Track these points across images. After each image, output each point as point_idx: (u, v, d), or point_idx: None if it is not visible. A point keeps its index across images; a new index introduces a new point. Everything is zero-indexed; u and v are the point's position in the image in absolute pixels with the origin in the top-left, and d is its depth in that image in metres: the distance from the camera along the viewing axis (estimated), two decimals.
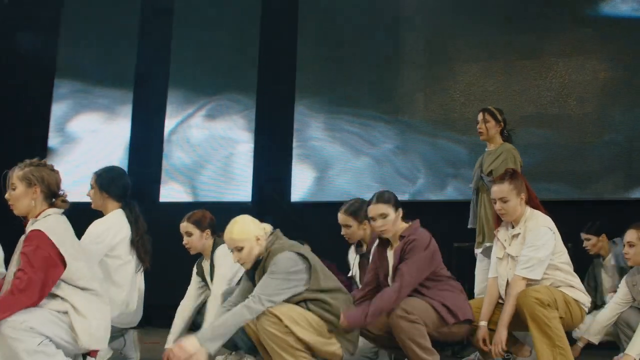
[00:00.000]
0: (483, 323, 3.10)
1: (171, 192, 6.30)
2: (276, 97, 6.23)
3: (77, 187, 3.69)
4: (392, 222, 3.05)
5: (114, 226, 3.31)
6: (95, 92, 6.67)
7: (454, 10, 5.86)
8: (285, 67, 6.19)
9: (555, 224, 3.12)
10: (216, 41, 6.44)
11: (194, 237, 3.66)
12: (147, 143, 6.48)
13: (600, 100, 5.36)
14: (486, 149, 4.11)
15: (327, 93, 6.08)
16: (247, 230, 2.94)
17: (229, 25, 6.45)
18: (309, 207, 5.91)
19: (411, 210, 3.16)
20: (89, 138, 6.66)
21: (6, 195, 2.75)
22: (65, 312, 2.66)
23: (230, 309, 2.91)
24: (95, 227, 3.28)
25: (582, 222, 4.30)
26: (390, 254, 3.10)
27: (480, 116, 4.08)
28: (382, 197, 3.10)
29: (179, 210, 3.90)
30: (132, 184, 3.47)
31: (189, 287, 3.79)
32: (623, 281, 3.70)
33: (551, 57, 5.51)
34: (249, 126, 6.27)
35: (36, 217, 2.73)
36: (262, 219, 3.07)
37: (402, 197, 4.36)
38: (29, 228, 2.69)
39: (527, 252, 3.05)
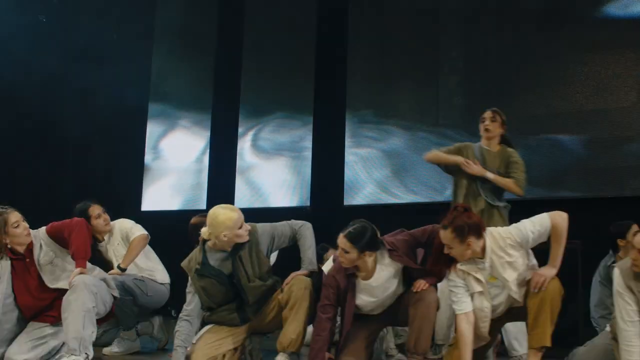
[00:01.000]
0: None
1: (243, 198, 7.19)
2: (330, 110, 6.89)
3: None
4: (351, 260, 3.34)
5: None
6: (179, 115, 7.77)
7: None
8: (338, 82, 6.82)
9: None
10: (276, 65, 7.24)
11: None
12: (223, 157, 7.41)
13: None
14: (483, 146, 4.19)
15: (375, 105, 6.63)
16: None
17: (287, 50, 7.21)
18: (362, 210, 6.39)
19: None
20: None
21: None
22: None
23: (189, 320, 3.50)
24: None
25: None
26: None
27: (489, 114, 4.18)
28: (349, 234, 3.34)
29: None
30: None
31: None
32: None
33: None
34: (307, 136, 6.97)
35: None
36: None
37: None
38: None
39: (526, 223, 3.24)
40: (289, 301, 3.50)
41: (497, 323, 3.43)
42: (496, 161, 4.14)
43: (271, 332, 3.82)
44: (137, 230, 4.38)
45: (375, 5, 6.79)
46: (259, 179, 7.17)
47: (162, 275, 4.47)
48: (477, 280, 3.24)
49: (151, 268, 4.44)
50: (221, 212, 3.51)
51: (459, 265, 3.27)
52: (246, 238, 3.55)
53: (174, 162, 7.75)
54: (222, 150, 7.42)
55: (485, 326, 3.29)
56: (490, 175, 4.05)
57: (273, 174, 7.09)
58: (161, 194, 7.70)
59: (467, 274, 3.26)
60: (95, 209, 4.42)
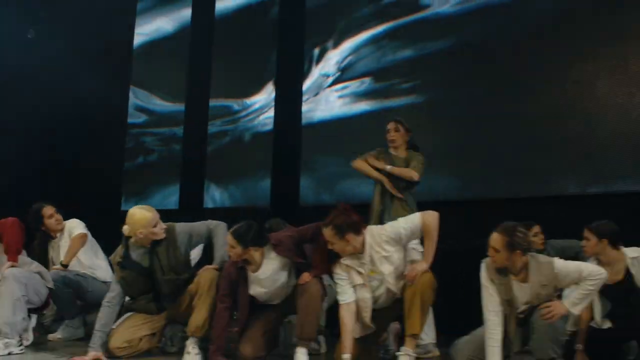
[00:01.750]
0: (347, 356, 3.50)
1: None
2: None
3: None
4: (238, 254, 3.73)
5: None
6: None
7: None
8: None
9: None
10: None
11: None
12: None
13: None
14: (392, 153, 4.53)
15: None
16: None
17: None
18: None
19: None
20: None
21: None
22: None
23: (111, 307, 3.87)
24: None
25: None
26: None
27: (392, 125, 4.53)
28: (235, 231, 3.73)
29: None
30: None
31: None
32: None
33: None
34: None
35: None
36: None
37: None
38: None
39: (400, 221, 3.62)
40: (197, 291, 3.91)
41: (385, 313, 3.77)
42: (403, 165, 4.49)
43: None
44: (78, 230, 4.81)
45: None
46: None
47: (104, 273, 4.87)
48: (359, 273, 3.58)
49: (94, 266, 4.86)
50: (137, 212, 3.94)
51: (342, 260, 3.61)
52: (162, 235, 3.95)
53: None
54: None
55: (367, 315, 3.63)
56: (388, 167, 4.41)
57: None
58: None
59: (350, 268, 3.60)
60: (48, 210, 4.89)
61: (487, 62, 5.76)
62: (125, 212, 3.98)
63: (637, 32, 5.09)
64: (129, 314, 4.10)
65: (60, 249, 4.89)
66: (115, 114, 8.55)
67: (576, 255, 4.44)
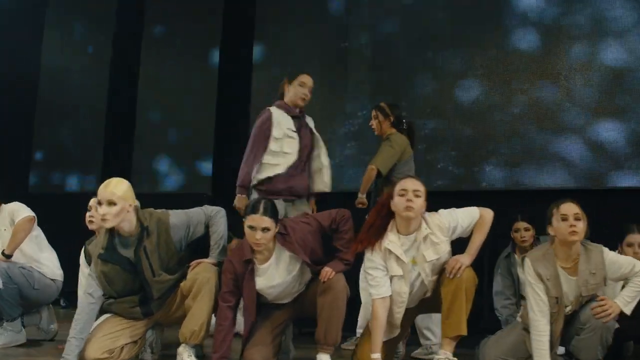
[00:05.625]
0: (377, 356, 3.11)
1: None
2: None
3: None
4: (271, 238, 3.21)
5: None
6: None
7: None
8: None
9: None
10: None
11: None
12: None
13: None
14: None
15: None
16: (128, 193, 3.20)
17: None
18: None
19: None
20: None
21: None
22: None
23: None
24: None
25: None
26: None
27: (373, 113, 4.29)
28: (265, 210, 3.18)
29: None
30: None
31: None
32: None
33: None
34: None
35: None
36: None
37: None
38: None
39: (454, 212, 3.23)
40: (192, 289, 3.27)
41: (410, 314, 3.38)
42: None
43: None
44: (23, 212, 3.97)
45: None
46: None
47: (51, 269, 4.10)
48: (399, 261, 3.14)
49: (40, 259, 4.08)
50: (120, 180, 3.31)
51: (385, 244, 3.16)
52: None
53: None
54: None
55: (400, 312, 3.21)
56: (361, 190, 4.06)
57: None
58: None
59: (390, 254, 3.16)
60: None
61: None
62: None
63: None
64: (104, 316, 3.38)
65: None
66: None
67: None
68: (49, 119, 7.65)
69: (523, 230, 4.31)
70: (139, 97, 7.24)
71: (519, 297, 4.24)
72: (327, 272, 3.23)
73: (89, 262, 3.42)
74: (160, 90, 7.13)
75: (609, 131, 5.22)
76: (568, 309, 3.18)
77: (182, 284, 3.33)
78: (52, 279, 4.07)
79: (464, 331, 3.11)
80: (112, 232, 3.29)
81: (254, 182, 3.79)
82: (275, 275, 3.30)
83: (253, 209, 3.19)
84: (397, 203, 3.15)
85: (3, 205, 4.07)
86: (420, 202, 3.15)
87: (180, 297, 3.36)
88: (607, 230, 3.72)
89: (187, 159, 6.96)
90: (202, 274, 3.27)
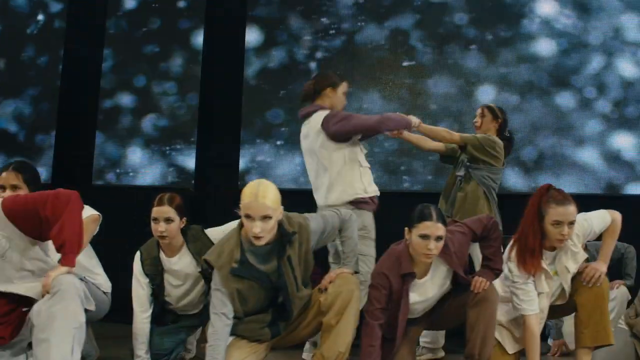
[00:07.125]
0: None
1: None
2: None
3: None
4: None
5: None
6: None
7: None
8: None
9: None
10: None
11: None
12: None
13: None
14: None
15: None
16: (279, 199, 2.73)
17: None
18: None
19: None
20: None
21: None
22: None
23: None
24: None
25: None
26: None
27: (478, 110, 4.22)
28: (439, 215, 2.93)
29: None
30: None
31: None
32: None
33: None
34: None
35: None
36: None
37: None
38: None
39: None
40: (334, 305, 2.82)
41: None
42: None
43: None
44: (86, 210, 3.21)
45: None
46: None
47: (105, 280, 3.47)
48: (547, 276, 3.01)
49: (93, 269, 3.42)
50: (269, 183, 2.82)
51: (542, 263, 2.99)
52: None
53: None
54: None
55: (539, 328, 3.05)
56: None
57: None
58: None
59: (543, 271, 3.00)
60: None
61: None
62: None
63: None
64: (230, 338, 2.82)
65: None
66: None
67: (621, 257, 4.45)
68: None
69: None
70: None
71: None
72: (480, 282, 3.00)
73: (146, 273, 3.16)
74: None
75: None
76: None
77: (322, 299, 2.88)
78: (104, 292, 3.40)
79: (611, 340, 3.00)
80: (241, 242, 2.79)
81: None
82: (429, 290, 2.99)
83: (424, 215, 2.85)
84: (551, 232, 2.97)
85: None
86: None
87: (314, 314, 2.91)
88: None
89: (166, 149, 6.25)
90: (346, 287, 2.85)
